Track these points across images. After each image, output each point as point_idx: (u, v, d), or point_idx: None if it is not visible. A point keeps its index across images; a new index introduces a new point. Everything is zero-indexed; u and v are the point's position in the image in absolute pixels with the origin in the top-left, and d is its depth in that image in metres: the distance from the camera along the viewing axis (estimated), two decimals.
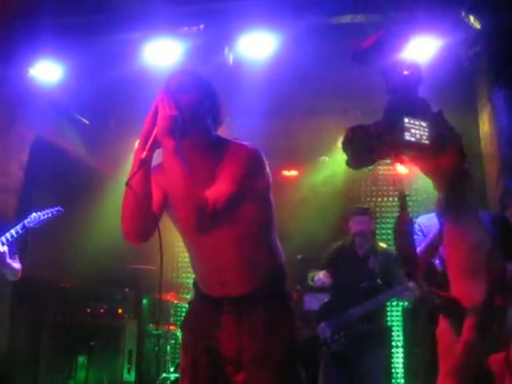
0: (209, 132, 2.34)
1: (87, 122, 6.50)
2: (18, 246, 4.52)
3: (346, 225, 5.04)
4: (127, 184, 2.13)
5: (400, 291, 4.68)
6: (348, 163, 1.99)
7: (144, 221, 2.21)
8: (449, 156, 2.01)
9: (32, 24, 4.66)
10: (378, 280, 4.76)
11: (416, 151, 1.94)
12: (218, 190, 2.13)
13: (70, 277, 6.59)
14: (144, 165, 2.14)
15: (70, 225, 6.13)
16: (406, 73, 1.99)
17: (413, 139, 1.90)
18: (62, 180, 6.50)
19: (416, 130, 1.92)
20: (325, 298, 5.06)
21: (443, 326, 2.29)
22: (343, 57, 4.82)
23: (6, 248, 4.26)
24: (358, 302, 4.68)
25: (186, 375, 2.42)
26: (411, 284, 4.61)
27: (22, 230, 4.40)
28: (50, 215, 4.56)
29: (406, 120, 1.91)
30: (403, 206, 2.22)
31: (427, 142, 1.92)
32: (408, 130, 1.91)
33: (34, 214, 4.50)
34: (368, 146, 1.92)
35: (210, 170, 2.24)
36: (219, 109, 2.38)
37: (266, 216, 2.40)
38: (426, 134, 1.92)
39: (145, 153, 2.13)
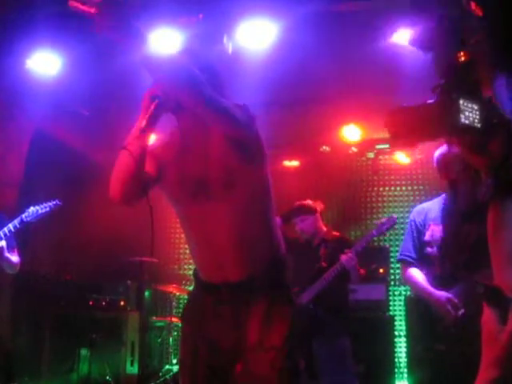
0: None
1: (86, 113, 6.46)
2: (18, 240, 4.54)
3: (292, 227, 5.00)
4: (124, 148, 2.20)
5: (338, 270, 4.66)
6: (393, 138, 2.00)
7: (133, 185, 2.25)
8: (497, 141, 2.00)
9: (29, 14, 4.62)
10: (323, 263, 4.75)
11: (466, 135, 1.93)
12: None
13: (72, 269, 6.59)
14: (143, 133, 2.20)
15: (72, 217, 6.12)
16: (459, 56, 1.98)
17: (467, 122, 1.89)
18: (62, 172, 6.49)
19: (469, 113, 1.91)
20: None
21: (487, 315, 2.25)
22: (344, 45, 4.83)
23: (3, 242, 4.31)
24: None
25: (185, 364, 2.42)
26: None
27: (19, 224, 4.44)
28: (47, 209, 4.60)
29: (461, 102, 1.89)
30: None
31: (479, 125, 1.90)
32: (463, 112, 1.89)
33: (31, 208, 4.53)
34: (417, 127, 1.92)
35: (210, 139, 2.28)
36: (218, 77, 2.37)
37: (262, 189, 2.38)
38: (478, 117, 1.91)
39: (144, 122, 2.18)
